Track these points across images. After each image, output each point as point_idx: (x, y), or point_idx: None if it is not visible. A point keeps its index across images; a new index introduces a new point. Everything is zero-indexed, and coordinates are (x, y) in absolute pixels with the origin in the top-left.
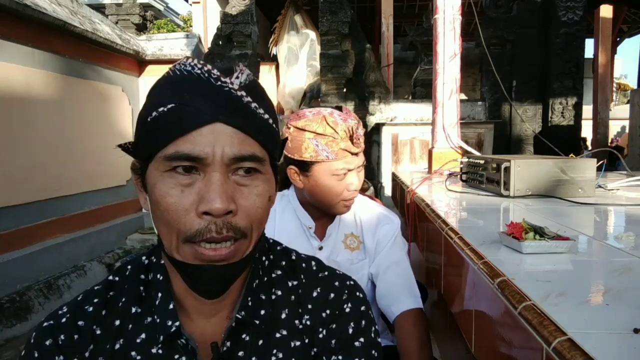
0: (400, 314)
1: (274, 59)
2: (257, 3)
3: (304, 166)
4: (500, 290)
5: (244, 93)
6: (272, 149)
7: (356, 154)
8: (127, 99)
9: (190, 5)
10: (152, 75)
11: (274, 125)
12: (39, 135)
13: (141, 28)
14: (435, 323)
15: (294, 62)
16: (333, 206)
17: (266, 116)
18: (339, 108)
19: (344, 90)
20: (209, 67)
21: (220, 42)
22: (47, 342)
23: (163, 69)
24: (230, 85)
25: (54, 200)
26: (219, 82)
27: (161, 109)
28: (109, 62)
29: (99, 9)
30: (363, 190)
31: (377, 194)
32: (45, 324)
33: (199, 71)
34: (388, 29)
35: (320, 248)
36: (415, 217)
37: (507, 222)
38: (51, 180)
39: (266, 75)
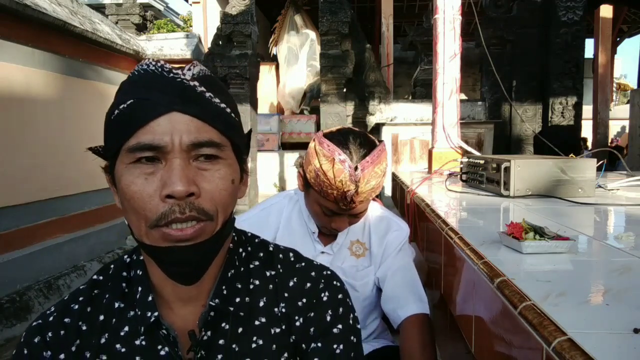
0: (406, 318)
1: (274, 59)
2: (257, 3)
3: (306, 181)
4: (500, 290)
5: (197, 83)
6: (232, 137)
7: (346, 209)
8: None
9: (190, 5)
10: None
11: (232, 115)
12: (39, 135)
13: (141, 28)
14: (436, 323)
15: (294, 62)
16: (318, 226)
17: (223, 105)
18: (364, 142)
19: (344, 90)
20: (162, 62)
21: (220, 42)
22: (36, 340)
23: None
24: (183, 76)
25: (54, 200)
26: (171, 74)
27: (122, 106)
28: (109, 62)
29: (99, 9)
30: None
31: (378, 194)
32: (34, 323)
33: (153, 68)
34: (388, 29)
35: (322, 253)
36: (415, 217)
37: (507, 222)
38: (51, 180)
39: (266, 75)
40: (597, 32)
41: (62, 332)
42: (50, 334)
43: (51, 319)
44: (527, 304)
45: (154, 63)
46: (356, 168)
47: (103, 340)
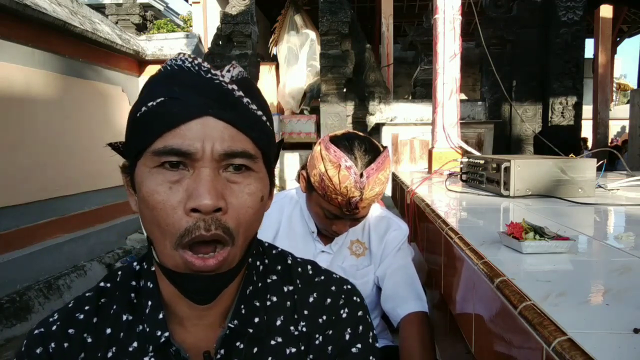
0: (406, 316)
1: (274, 59)
2: (257, 3)
3: (309, 182)
4: (500, 290)
5: (235, 87)
6: (265, 148)
7: (349, 214)
8: (127, 99)
9: (190, 5)
10: None
11: (268, 123)
12: (39, 135)
13: (141, 28)
14: (436, 323)
15: (294, 62)
16: (319, 227)
17: (259, 113)
18: (369, 148)
19: (344, 90)
20: (199, 60)
21: (220, 42)
22: (38, 351)
23: None
24: (221, 78)
25: (54, 200)
26: (209, 75)
27: (150, 103)
28: (109, 62)
29: (99, 9)
30: None
31: None
32: (36, 331)
33: (189, 65)
34: (388, 29)
35: (322, 252)
36: (415, 217)
37: (507, 222)
38: (51, 180)
39: (266, 75)
40: (597, 32)
41: (65, 344)
42: (53, 345)
43: (54, 328)
44: (527, 304)
45: (190, 60)
46: (361, 175)
47: (110, 355)
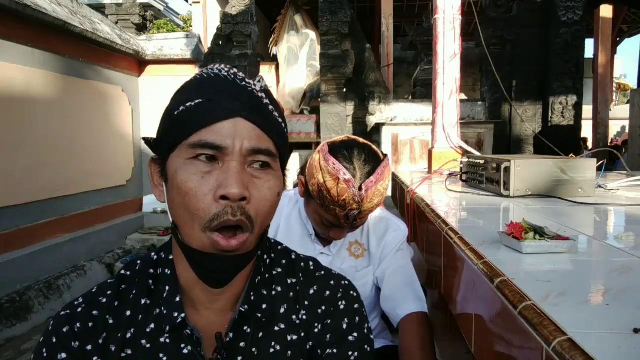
0: (405, 317)
1: (274, 59)
2: (257, 3)
3: (307, 190)
4: (500, 290)
5: (263, 95)
6: (282, 150)
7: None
8: (127, 99)
9: (190, 5)
10: (152, 75)
11: (285, 130)
12: (39, 135)
13: (141, 28)
14: (435, 323)
15: (294, 62)
16: (317, 231)
17: (280, 120)
18: (368, 158)
19: (344, 90)
20: (235, 70)
21: (220, 42)
22: (65, 329)
23: (163, 69)
24: (253, 87)
25: (54, 200)
26: (244, 83)
27: (189, 103)
28: (109, 62)
29: (99, 9)
30: None
31: None
32: (62, 312)
33: (225, 74)
34: (388, 29)
35: (322, 253)
36: (415, 217)
37: (507, 222)
38: (51, 180)
39: (266, 75)
40: (597, 32)
41: (90, 324)
42: (78, 325)
43: (79, 310)
44: (527, 304)
45: (226, 69)
46: (360, 188)
47: (129, 335)
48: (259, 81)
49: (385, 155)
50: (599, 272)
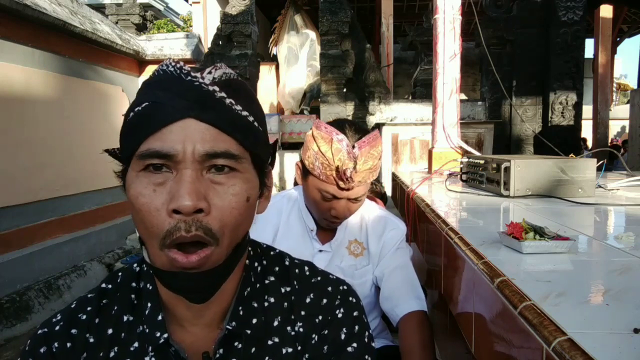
0: (405, 316)
1: (274, 59)
2: (257, 3)
3: (305, 169)
4: (500, 290)
5: (216, 88)
6: (253, 148)
7: (345, 189)
8: (127, 99)
9: (190, 5)
10: None
11: (255, 124)
12: (38, 135)
13: (141, 28)
14: (436, 323)
15: (294, 62)
16: (317, 218)
17: (245, 113)
18: (360, 129)
19: (344, 90)
20: (181, 64)
21: (220, 42)
22: (42, 350)
23: None
24: (201, 80)
25: (54, 200)
26: (189, 77)
27: (137, 108)
28: (109, 62)
29: (99, 9)
30: (378, 195)
31: (384, 199)
32: (39, 331)
33: (172, 69)
34: (388, 29)
35: (320, 251)
36: (415, 217)
37: (507, 222)
38: (51, 180)
39: (266, 75)
40: (597, 32)
41: (68, 344)
42: (56, 345)
43: (57, 328)
44: (527, 304)
45: (173, 64)
46: (354, 146)
47: (112, 354)
48: (209, 72)
49: (375, 129)
50: (599, 272)
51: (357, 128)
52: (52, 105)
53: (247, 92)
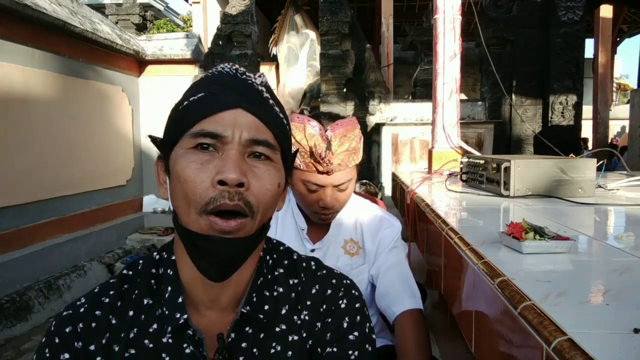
0: (401, 314)
1: (274, 59)
2: (257, 3)
3: None
4: (500, 290)
5: (264, 89)
6: (283, 144)
7: (325, 173)
8: (127, 99)
9: (190, 5)
10: (152, 75)
11: (287, 126)
12: (39, 135)
13: (141, 28)
14: (435, 323)
15: (294, 62)
16: (309, 214)
17: (281, 115)
18: (335, 117)
19: (344, 90)
20: (237, 66)
21: (220, 42)
22: (67, 330)
23: (163, 69)
24: (253, 80)
25: (54, 200)
26: (244, 77)
27: (192, 98)
28: (109, 62)
29: (99, 9)
30: (372, 194)
31: (381, 196)
32: (64, 313)
33: (227, 69)
34: (388, 29)
35: (312, 251)
36: (415, 217)
37: (507, 222)
38: (51, 180)
39: (266, 75)
40: (597, 32)
41: (93, 324)
42: (81, 325)
43: (82, 310)
44: (527, 304)
45: (229, 66)
46: (327, 130)
47: (132, 335)
48: (259, 76)
49: (353, 118)
50: (599, 272)
51: (333, 116)
52: (52, 105)
53: (279, 100)
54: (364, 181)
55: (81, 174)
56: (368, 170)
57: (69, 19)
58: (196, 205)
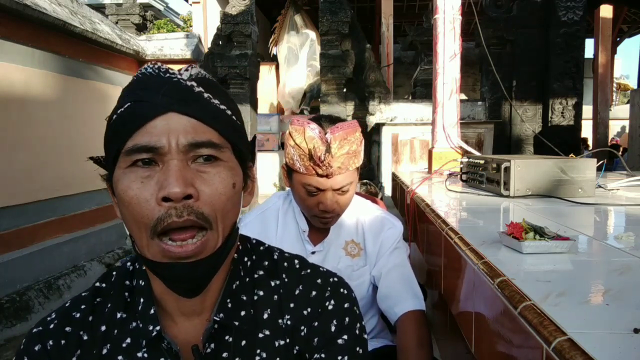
0: (403, 315)
1: (274, 59)
2: (257, 3)
3: (289, 170)
4: (500, 290)
5: (194, 83)
6: (233, 139)
7: (325, 176)
8: None
9: (190, 5)
10: None
11: (233, 117)
12: (38, 135)
13: (141, 28)
14: (435, 323)
15: (294, 62)
16: (310, 218)
17: (223, 107)
18: (336, 119)
19: (344, 90)
20: (160, 64)
21: (220, 42)
22: (36, 348)
23: None
24: (179, 76)
25: (54, 200)
26: (168, 75)
27: (119, 110)
28: (109, 62)
29: (99, 9)
30: (373, 195)
31: (380, 197)
32: (34, 330)
33: (150, 69)
34: (388, 29)
35: (313, 253)
36: (415, 217)
37: (507, 222)
38: (51, 180)
39: (266, 75)
40: (597, 32)
41: (62, 341)
42: (51, 343)
43: (52, 326)
44: (527, 304)
45: (151, 65)
46: (326, 132)
47: (105, 351)
48: (186, 69)
49: (354, 121)
50: (599, 272)
51: (333, 119)
52: (52, 105)
53: (221, 89)
54: (365, 181)
55: (81, 174)
56: (368, 170)
57: (69, 19)
58: (146, 228)
